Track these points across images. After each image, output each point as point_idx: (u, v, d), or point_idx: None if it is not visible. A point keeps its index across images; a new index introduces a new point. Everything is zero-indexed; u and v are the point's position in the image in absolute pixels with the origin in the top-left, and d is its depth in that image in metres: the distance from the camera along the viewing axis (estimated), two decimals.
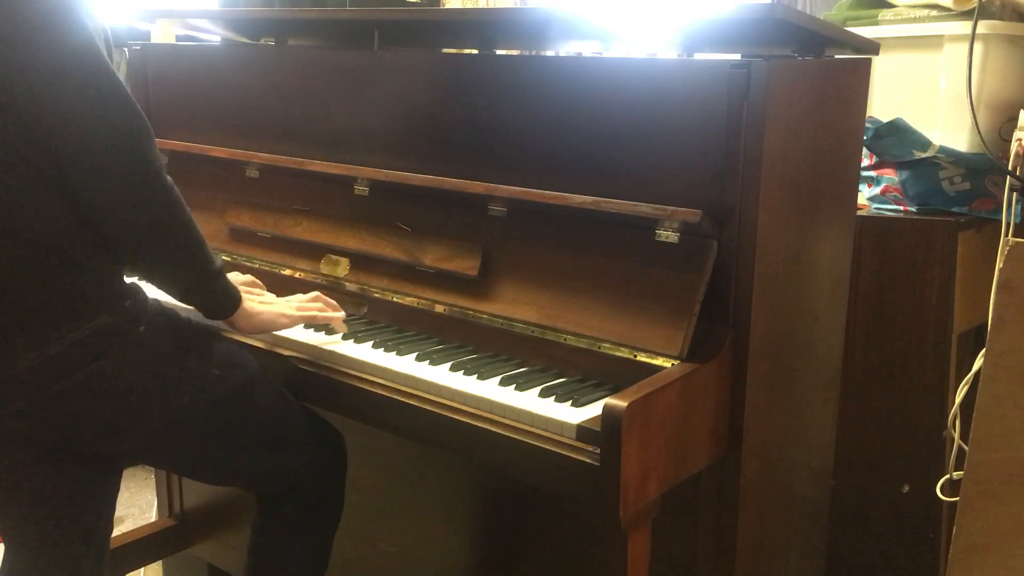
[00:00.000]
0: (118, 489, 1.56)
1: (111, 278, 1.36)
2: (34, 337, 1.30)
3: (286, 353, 1.62)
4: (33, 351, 1.29)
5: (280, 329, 1.59)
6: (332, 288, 1.78)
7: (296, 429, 1.58)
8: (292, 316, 1.58)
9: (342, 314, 1.64)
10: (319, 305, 1.63)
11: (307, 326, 1.65)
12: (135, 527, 2.42)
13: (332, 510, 1.66)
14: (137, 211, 1.32)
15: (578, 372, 1.48)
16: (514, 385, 1.42)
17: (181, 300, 1.48)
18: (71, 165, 1.28)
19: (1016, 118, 1.88)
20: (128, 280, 1.40)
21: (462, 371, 1.48)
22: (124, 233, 1.35)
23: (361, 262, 1.76)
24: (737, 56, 1.43)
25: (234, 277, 1.65)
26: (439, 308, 1.64)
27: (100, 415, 1.37)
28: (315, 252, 1.82)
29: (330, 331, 1.64)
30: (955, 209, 2.04)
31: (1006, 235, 1.80)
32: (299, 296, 1.65)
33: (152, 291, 1.48)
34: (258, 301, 1.57)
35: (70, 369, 1.31)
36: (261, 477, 1.60)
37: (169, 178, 1.35)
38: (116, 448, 1.44)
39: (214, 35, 2.35)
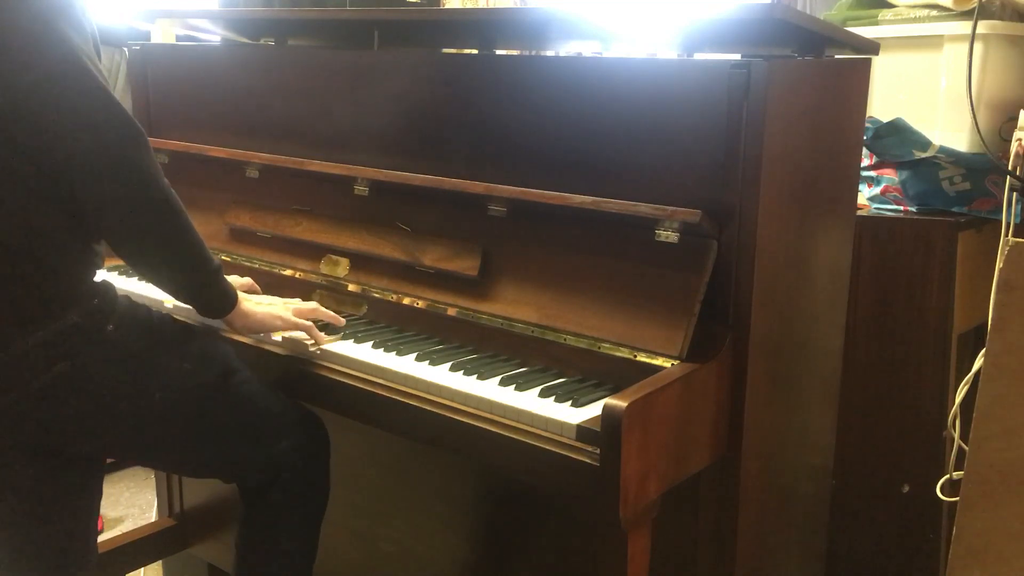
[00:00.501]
0: (100, 488, 1.56)
1: (80, 277, 1.36)
2: (1, 337, 1.30)
3: (285, 353, 1.62)
4: (2, 351, 1.29)
5: (274, 331, 1.60)
6: (332, 288, 1.79)
7: (274, 418, 1.58)
8: (286, 319, 1.58)
9: (328, 338, 1.61)
10: (311, 317, 1.61)
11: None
12: (135, 527, 2.42)
13: (317, 497, 1.66)
14: (132, 219, 1.33)
15: (578, 372, 1.47)
16: (514, 385, 1.42)
17: (179, 300, 1.48)
18: (63, 176, 1.28)
19: (1016, 118, 1.88)
20: (97, 278, 1.40)
21: (462, 371, 1.48)
22: (120, 240, 1.36)
23: (361, 262, 1.76)
24: (737, 56, 1.43)
25: (232, 280, 1.66)
26: (439, 308, 1.64)
27: (71, 414, 1.37)
28: (315, 252, 1.82)
29: (330, 330, 1.64)
30: (955, 209, 2.04)
31: (1006, 235, 1.80)
32: (298, 301, 1.64)
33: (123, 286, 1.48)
34: (255, 302, 1.58)
35: (39, 369, 1.31)
36: (241, 468, 1.60)
37: (165, 183, 1.35)
38: (90, 446, 1.45)
39: (214, 35, 2.35)
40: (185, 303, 1.49)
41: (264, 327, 1.57)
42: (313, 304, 1.64)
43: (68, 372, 1.33)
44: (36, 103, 1.24)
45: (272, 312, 1.58)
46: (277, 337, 1.62)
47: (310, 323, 1.60)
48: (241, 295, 1.54)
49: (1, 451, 1.41)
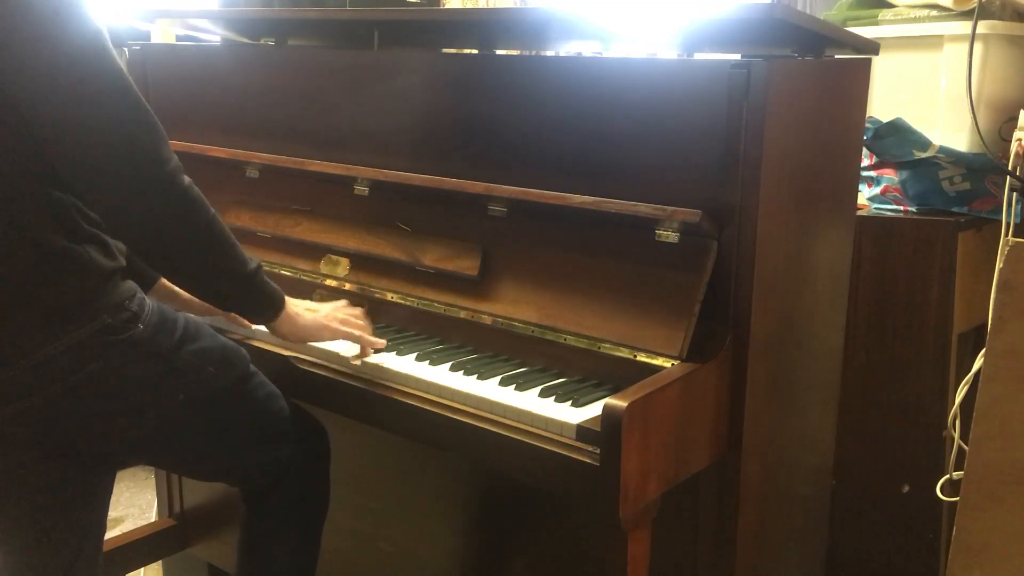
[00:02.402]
0: (111, 489, 1.56)
1: (110, 279, 1.35)
2: (34, 339, 1.29)
3: (286, 353, 1.62)
4: (33, 353, 1.29)
5: (323, 340, 1.55)
6: (332, 288, 1.79)
7: (284, 423, 1.58)
8: (336, 329, 1.54)
9: (383, 343, 1.58)
10: (363, 325, 1.58)
11: None
12: (135, 527, 2.42)
13: (318, 501, 1.67)
14: (153, 216, 1.30)
15: (578, 372, 1.47)
16: (514, 385, 1.42)
17: (220, 306, 1.45)
18: (79, 171, 1.26)
19: (1016, 118, 1.88)
20: (125, 280, 1.40)
21: (462, 371, 1.48)
22: (144, 239, 1.33)
23: (361, 262, 1.76)
24: (737, 56, 1.43)
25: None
26: (439, 308, 1.64)
27: (98, 415, 1.37)
28: (315, 252, 1.82)
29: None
30: (955, 209, 2.04)
31: (1006, 235, 1.80)
32: (343, 304, 1.60)
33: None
34: (304, 307, 1.53)
35: (70, 370, 1.31)
36: (250, 472, 1.60)
37: (187, 178, 1.31)
38: (111, 447, 1.45)
39: (214, 35, 2.35)
40: (227, 310, 1.46)
41: (313, 336, 1.53)
42: (359, 311, 1.59)
43: (98, 373, 1.32)
44: (53, 89, 1.22)
45: (320, 320, 1.53)
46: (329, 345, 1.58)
47: (360, 333, 1.55)
48: (289, 300, 1.50)
49: (23, 451, 1.42)
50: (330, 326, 1.54)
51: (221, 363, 1.47)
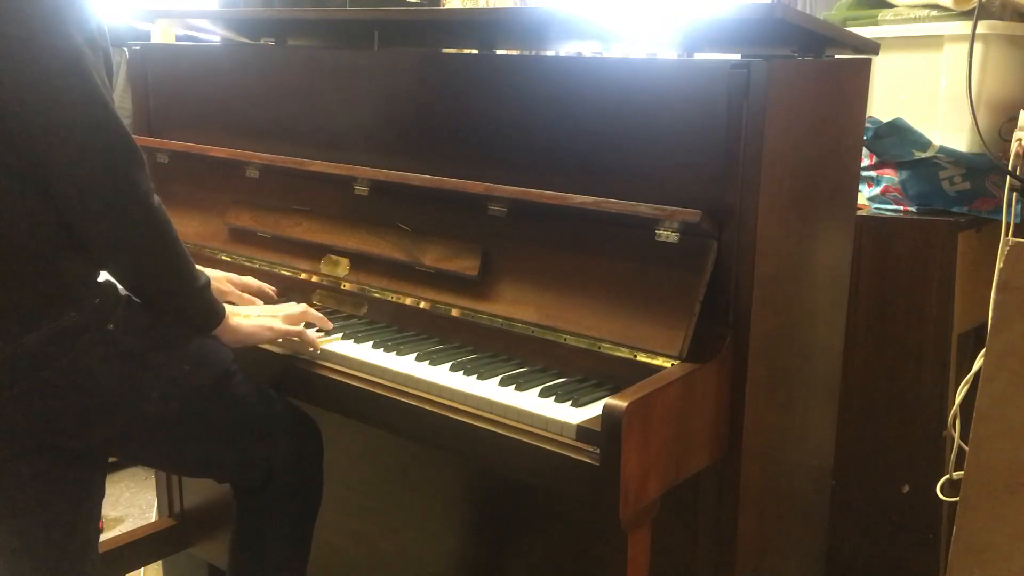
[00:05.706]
0: (102, 488, 1.56)
1: (82, 276, 1.36)
2: (3, 334, 1.30)
3: (284, 353, 1.62)
4: (0, 347, 1.30)
5: (262, 342, 1.59)
6: (332, 288, 1.79)
7: (270, 420, 1.59)
8: (275, 329, 1.57)
9: (322, 338, 1.62)
10: (301, 322, 1.61)
11: (305, 324, 1.64)
12: (135, 527, 2.42)
13: (310, 498, 1.67)
14: (120, 235, 1.34)
15: (578, 372, 1.47)
16: (514, 385, 1.42)
17: (171, 317, 1.47)
18: (56, 186, 1.29)
19: (1016, 118, 1.88)
20: (100, 278, 1.40)
21: (462, 371, 1.48)
22: (106, 253, 1.36)
23: (361, 262, 1.76)
24: (737, 56, 1.43)
25: (231, 279, 1.66)
26: (439, 308, 1.64)
27: (69, 410, 1.37)
28: (315, 252, 1.82)
29: (329, 330, 1.64)
30: (955, 209, 2.04)
31: (1006, 235, 1.80)
32: (286, 306, 1.64)
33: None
34: (243, 315, 1.57)
35: (37, 365, 1.32)
36: (234, 470, 1.61)
37: (156, 199, 1.35)
38: (86, 444, 1.45)
39: (214, 35, 2.35)
40: (177, 320, 1.48)
41: (253, 339, 1.56)
42: (302, 307, 1.63)
43: (68, 368, 1.34)
44: (32, 99, 1.24)
45: (260, 324, 1.56)
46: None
47: (300, 328, 1.59)
48: (229, 309, 1.53)
49: (3, 444, 1.42)
50: (268, 326, 1.57)
51: (197, 362, 1.47)
